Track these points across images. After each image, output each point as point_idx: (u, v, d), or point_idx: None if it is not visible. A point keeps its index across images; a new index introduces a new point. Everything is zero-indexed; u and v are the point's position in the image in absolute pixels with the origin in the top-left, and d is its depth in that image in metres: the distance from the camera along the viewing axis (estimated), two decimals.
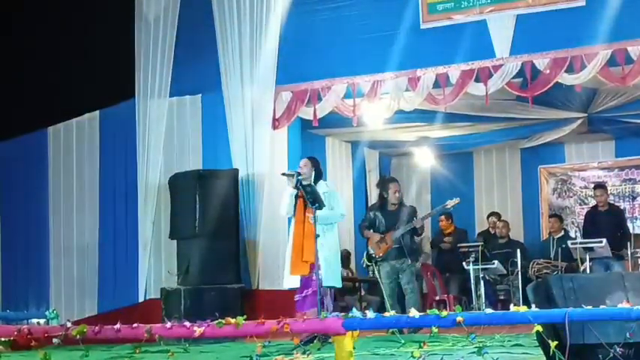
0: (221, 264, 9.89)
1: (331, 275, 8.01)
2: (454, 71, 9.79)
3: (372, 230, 9.44)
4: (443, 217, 12.09)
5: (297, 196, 7.97)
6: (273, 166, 10.40)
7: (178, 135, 11.13)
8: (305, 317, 6.28)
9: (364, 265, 10.16)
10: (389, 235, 9.28)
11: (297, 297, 8.06)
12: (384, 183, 9.85)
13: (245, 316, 4.96)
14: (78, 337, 4.98)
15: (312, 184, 8.24)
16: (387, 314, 4.75)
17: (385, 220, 9.37)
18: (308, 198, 8.36)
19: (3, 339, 5.28)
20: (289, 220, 8.24)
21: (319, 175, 8.22)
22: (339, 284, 8.29)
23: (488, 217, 12.57)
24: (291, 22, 10.48)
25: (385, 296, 9.33)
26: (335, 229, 8.27)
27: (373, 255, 9.38)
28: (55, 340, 5.03)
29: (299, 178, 7.93)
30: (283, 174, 8.16)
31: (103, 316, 10.28)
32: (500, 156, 14.05)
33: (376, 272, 9.53)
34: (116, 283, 11.26)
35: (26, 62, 13.67)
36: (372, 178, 13.86)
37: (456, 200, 9.69)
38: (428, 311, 4.55)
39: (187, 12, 11.11)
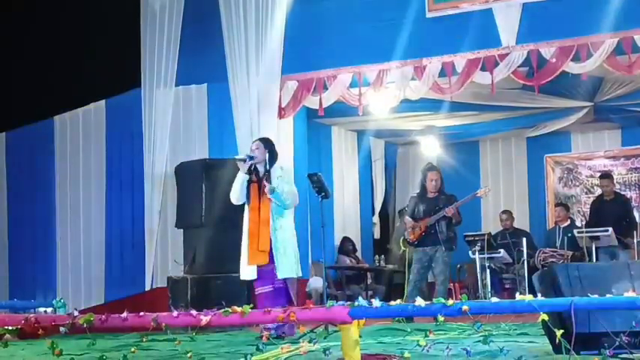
0: (227, 253, 9.83)
1: (286, 265, 7.46)
2: (460, 60, 9.77)
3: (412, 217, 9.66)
4: None
5: (250, 182, 7.52)
6: (279, 155, 10.38)
7: (184, 124, 11.14)
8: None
9: (400, 251, 10.36)
10: (424, 222, 9.46)
11: (259, 290, 7.53)
12: (423, 171, 10.02)
13: (251, 305, 4.97)
14: (85, 325, 4.99)
15: (319, 173, 8.20)
16: (392, 303, 4.74)
17: (423, 208, 9.56)
18: (314, 187, 8.34)
19: (10, 328, 5.29)
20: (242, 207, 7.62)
21: (274, 157, 7.69)
22: (293, 274, 7.57)
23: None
24: (297, 10, 10.46)
25: (407, 280, 9.50)
26: (289, 215, 7.75)
27: (408, 240, 9.62)
28: (62, 329, 5.04)
29: (252, 162, 7.50)
30: (234, 159, 7.70)
31: (110, 305, 10.33)
32: (506, 145, 14.05)
33: (407, 256, 9.77)
34: (123, 272, 11.29)
35: (31, 51, 13.66)
36: (378, 167, 13.89)
37: (486, 188, 10.04)
38: (434, 300, 4.55)
39: (193, 1, 11.10)
